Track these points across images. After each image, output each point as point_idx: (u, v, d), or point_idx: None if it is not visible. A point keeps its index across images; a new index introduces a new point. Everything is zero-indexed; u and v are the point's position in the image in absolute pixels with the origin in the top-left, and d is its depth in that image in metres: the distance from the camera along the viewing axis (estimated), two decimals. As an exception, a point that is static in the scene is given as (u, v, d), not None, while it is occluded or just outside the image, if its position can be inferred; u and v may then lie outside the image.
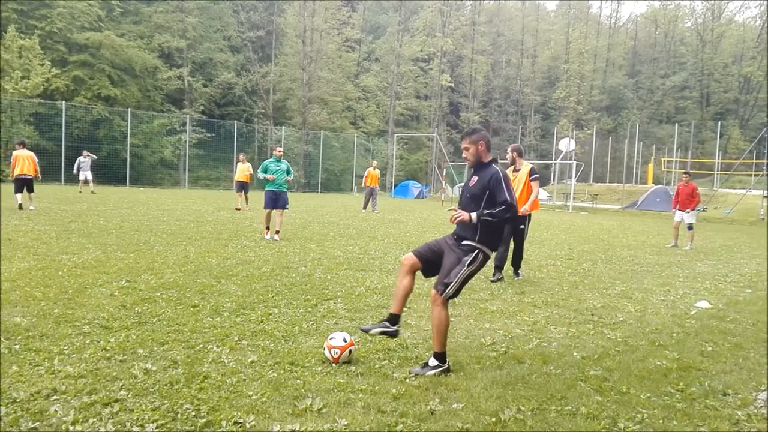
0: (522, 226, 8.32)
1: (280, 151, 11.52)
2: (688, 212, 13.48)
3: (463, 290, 4.31)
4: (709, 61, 61.87)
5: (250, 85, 45.12)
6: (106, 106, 34.50)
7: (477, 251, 4.07)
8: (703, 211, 29.01)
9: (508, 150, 8.63)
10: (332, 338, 4.16)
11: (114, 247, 8.98)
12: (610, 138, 48.58)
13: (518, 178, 8.41)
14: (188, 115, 37.78)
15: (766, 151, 31.88)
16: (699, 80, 62.34)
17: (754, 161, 35.10)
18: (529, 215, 8.52)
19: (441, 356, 4.04)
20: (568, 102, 58.64)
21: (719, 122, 40.51)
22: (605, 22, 76.94)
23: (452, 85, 56.89)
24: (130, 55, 36.00)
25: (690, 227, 13.42)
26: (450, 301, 4.15)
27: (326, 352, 4.12)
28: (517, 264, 8.36)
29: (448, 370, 4.02)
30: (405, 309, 5.78)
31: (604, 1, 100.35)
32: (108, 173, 31.51)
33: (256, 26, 47.49)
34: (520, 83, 64.85)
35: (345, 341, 4.12)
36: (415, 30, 57.24)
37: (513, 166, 8.56)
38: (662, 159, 43.75)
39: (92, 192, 22.73)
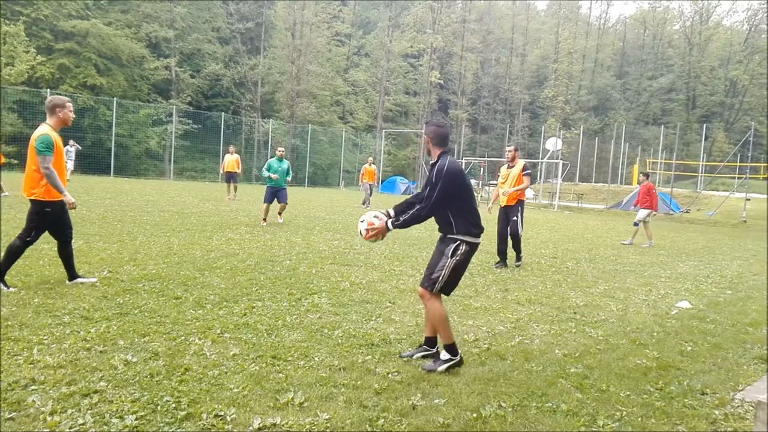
0: (515, 218, 9.02)
1: (281, 152, 12.84)
2: (637, 208, 14.01)
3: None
4: (696, 64, 62.26)
5: (238, 77, 44.78)
6: (92, 95, 34.07)
7: (458, 242, 4.05)
8: (686, 212, 29.33)
9: (511, 148, 9.32)
10: (376, 216, 4.18)
11: (96, 237, 8.89)
12: (596, 138, 48.82)
13: (512, 174, 9.16)
14: (175, 106, 37.43)
15: (749, 155, 32.24)
16: (686, 83, 62.73)
17: (738, 164, 35.47)
18: (521, 207, 9.19)
19: (451, 348, 4.04)
20: (556, 101, 58.84)
21: (704, 125, 40.83)
22: (594, 22, 77.31)
23: (441, 81, 56.85)
24: (117, 44, 35.56)
25: (635, 224, 13.95)
26: (443, 297, 4.16)
27: (363, 226, 4.16)
28: (517, 252, 9.17)
29: (460, 363, 4.04)
30: (389, 305, 5.81)
31: (594, 1, 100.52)
32: (92, 163, 31.15)
33: (245, 18, 47.12)
34: (508, 82, 64.99)
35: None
36: (405, 26, 57.05)
37: (508, 164, 9.30)
38: (648, 160, 44.04)
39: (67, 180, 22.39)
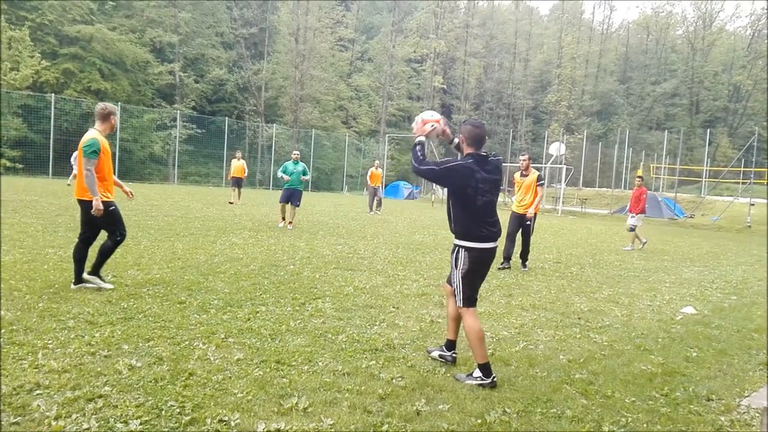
0: (528, 223, 9.46)
1: (297, 155, 13.37)
2: (632, 215, 14.06)
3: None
4: (700, 69, 62.17)
5: (241, 81, 44.90)
6: (96, 99, 34.13)
7: (456, 249, 4.03)
8: (691, 217, 29.27)
9: (525, 157, 9.64)
10: (437, 120, 4.15)
11: (100, 241, 8.88)
12: (600, 143, 48.75)
13: (525, 183, 9.54)
14: (179, 111, 37.52)
15: (753, 160, 32.15)
16: (689, 88, 62.63)
17: (742, 169, 35.35)
18: (535, 214, 9.62)
19: (483, 368, 3.89)
20: (560, 106, 58.83)
21: (708, 130, 40.78)
22: (597, 27, 77.36)
23: (444, 86, 56.93)
24: (122, 49, 35.68)
25: (631, 229, 14.06)
26: (474, 309, 4.09)
27: (427, 114, 4.19)
28: (524, 257, 9.49)
29: (491, 386, 3.85)
30: (393, 310, 5.80)
31: (597, 2, 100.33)
32: (97, 167, 31.18)
33: (249, 23, 47.29)
34: (512, 87, 64.97)
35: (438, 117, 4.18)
36: (408, 31, 57.25)
37: (520, 171, 9.68)
38: (651, 165, 43.99)
39: (68, 185, 22.32)
